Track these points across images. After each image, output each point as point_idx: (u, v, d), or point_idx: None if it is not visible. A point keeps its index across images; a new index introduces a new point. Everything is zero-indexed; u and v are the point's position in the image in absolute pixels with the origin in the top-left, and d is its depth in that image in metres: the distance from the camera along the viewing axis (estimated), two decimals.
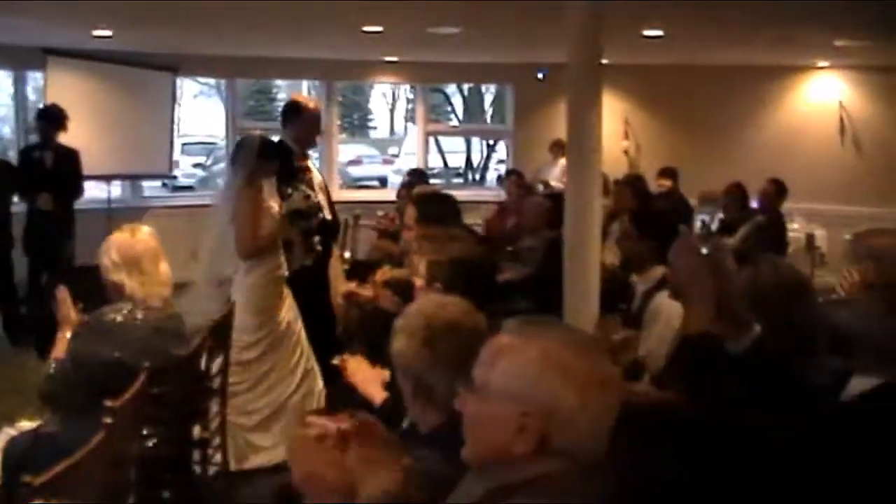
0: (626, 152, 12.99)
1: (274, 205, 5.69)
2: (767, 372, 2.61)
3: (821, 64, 12.29)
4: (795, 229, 11.31)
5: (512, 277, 7.19)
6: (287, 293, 5.75)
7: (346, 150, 20.79)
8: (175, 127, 13.23)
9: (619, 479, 1.75)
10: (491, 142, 17.81)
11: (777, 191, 9.02)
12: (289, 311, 5.73)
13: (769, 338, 2.69)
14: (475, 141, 18.47)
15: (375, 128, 29.64)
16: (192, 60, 12.05)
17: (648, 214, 5.52)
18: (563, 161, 11.97)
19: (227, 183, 5.86)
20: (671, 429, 2.42)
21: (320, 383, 5.71)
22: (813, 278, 11.91)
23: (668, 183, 10.56)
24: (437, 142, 18.14)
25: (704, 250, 2.54)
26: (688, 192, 11.04)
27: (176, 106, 13.08)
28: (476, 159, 18.70)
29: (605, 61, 12.57)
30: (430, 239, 3.28)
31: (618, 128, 13.10)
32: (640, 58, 12.28)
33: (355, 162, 22.93)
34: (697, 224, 4.62)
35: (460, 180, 17.57)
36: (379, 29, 9.52)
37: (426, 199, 5.29)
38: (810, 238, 11.20)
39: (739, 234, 8.73)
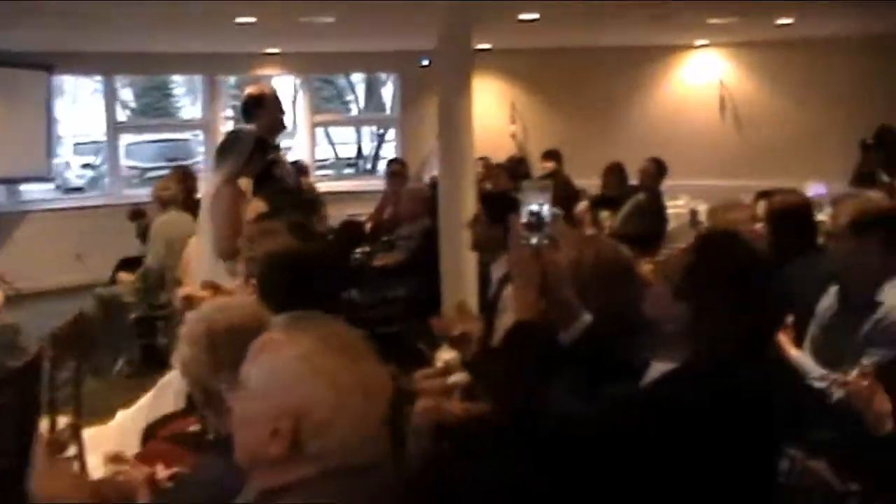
0: (513, 136, 13.02)
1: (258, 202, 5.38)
2: (595, 361, 2.56)
3: (699, 42, 12.46)
4: (679, 206, 11.44)
5: (386, 264, 7.12)
6: None
7: None
8: (54, 127, 12.79)
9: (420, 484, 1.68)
10: (381, 131, 17.72)
11: (657, 169, 9.10)
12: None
13: (597, 325, 2.64)
14: (367, 131, 18.38)
15: None
16: (67, 58, 11.69)
17: (497, 197, 5.43)
18: None
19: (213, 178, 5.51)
20: (485, 445, 2.38)
21: None
22: None
23: (551, 165, 10.63)
24: (326, 133, 17.98)
25: (534, 240, 2.47)
26: (576, 174, 11.18)
27: (54, 105, 12.66)
28: (367, 149, 18.58)
29: (488, 46, 12.74)
30: (251, 235, 3.19)
31: (505, 112, 13.14)
32: (524, 42, 12.33)
33: None
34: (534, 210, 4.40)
35: (352, 171, 17.42)
36: (252, 20, 9.35)
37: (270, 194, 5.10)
38: (694, 214, 11.30)
39: (621, 213, 8.78)
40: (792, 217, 3.93)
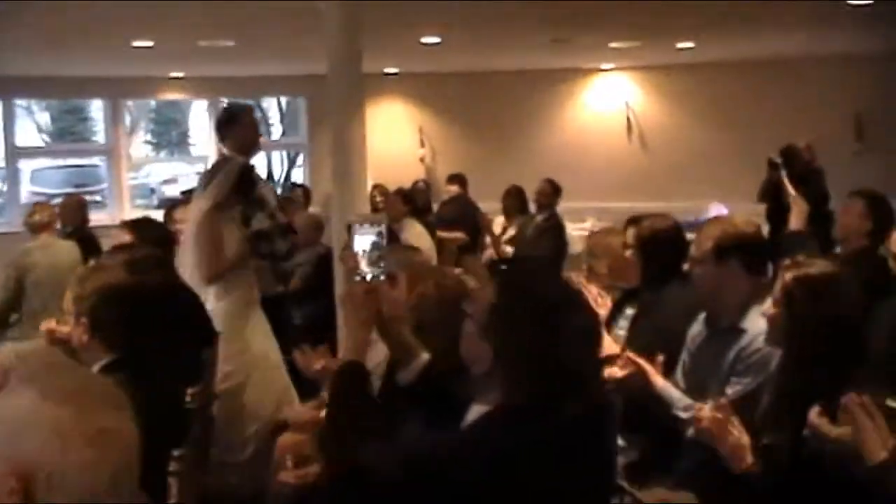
0: (422, 160, 13.00)
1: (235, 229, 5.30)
2: (434, 399, 2.48)
3: (606, 66, 12.56)
4: (585, 228, 11.50)
5: (284, 291, 7.01)
6: (262, 319, 5.35)
7: (162, 169, 20.11)
8: None
9: None
10: (292, 154, 17.53)
11: (552, 190, 9.10)
12: (266, 338, 5.33)
13: (436, 361, 2.55)
14: (276, 155, 18.17)
15: (195, 145, 28.82)
16: None
17: None
18: None
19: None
20: None
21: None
22: None
23: (455, 188, 10.61)
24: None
25: (368, 275, 2.38)
26: (484, 197, 11.18)
27: None
28: (277, 173, 18.35)
29: (395, 70, 12.70)
30: (81, 273, 3.04)
31: (414, 136, 13.11)
32: (431, 66, 12.32)
33: (170, 181, 22.32)
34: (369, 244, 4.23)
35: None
36: (149, 44, 9.18)
37: (140, 225, 4.95)
38: None
39: (526, 237, 8.80)
40: (660, 243, 3.91)
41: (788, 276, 2.85)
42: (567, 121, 12.93)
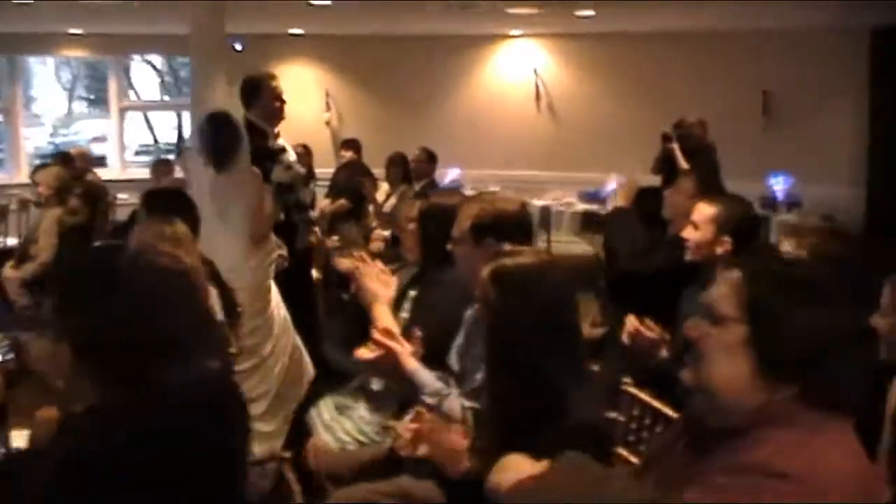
0: (327, 123, 12.76)
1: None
2: None
3: (514, 32, 12.33)
4: None
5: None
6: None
7: (90, 126, 19.59)
8: None
9: None
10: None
11: (427, 158, 8.90)
12: (276, 293, 5.33)
13: None
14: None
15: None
16: None
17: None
18: None
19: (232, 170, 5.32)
20: None
21: (311, 368, 5.33)
22: None
23: (349, 154, 10.39)
24: (146, 118, 17.34)
25: None
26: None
27: None
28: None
29: (300, 32, 12.43)
30: None
31: (320, 99, 12.86)
32: (337, 28, 12.06)
33: (99, 139, 21.88)
34: None
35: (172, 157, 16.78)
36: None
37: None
38: None
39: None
40: (437, 219, 3.72)
41: (486, 269, 2.67)
42: (475, 87, 12.68)
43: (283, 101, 6.22)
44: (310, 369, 5.32)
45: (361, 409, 3.97)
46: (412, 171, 8.95)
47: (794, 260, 3.41)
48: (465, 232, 3.27)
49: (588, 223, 10.10)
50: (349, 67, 12.79)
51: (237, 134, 5.36)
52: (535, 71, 12.30)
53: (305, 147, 9.95)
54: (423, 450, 2.53)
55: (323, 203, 10.11)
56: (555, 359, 2.55)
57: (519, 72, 12.44)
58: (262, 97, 6.03)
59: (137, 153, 10.36)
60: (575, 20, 10.39)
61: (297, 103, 12.75)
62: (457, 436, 2.61)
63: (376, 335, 3.24)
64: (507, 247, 2.87)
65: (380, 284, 3.69)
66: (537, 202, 10.95)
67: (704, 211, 3.87)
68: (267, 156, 5.75)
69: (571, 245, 10.78)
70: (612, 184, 10.52)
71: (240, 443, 2.07)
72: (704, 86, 11.31)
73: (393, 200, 8.87)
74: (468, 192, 11.44)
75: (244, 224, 5.10)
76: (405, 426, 2.63)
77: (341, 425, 3.95)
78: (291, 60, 12.72)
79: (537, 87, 12.30)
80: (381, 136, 12.05)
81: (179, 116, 16.46)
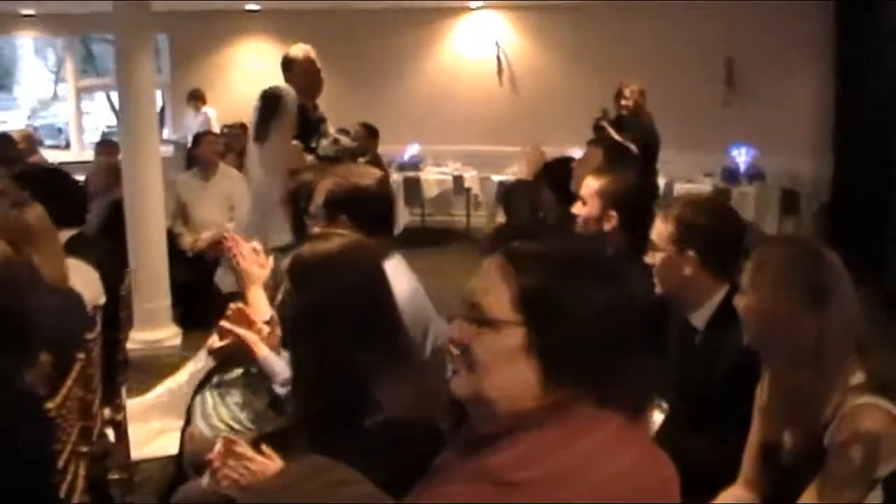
0: None
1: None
2: None
3: (474, 4, 12.07)
4: (445, 172, 11.18)
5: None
6: None
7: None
8: None
9: None
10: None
11: (367, 133, 8.68)
12: None
13: None
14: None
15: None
16: None
17: None
18: (206, 111, 11.46)
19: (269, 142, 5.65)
20: None
21: None
22: (468, 221, 11.89)
23: None
24: (108, 97, 17.09)
25: None
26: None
27: None
28: None
29: (257, 7, 12.18)
30: None
31: (277, 75, 12.57)
32: (294, 3, 11.83)
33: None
34: None
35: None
36: None
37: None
38: (458, 180, 11.09)
39: None
40: (302, 197, 3.51)
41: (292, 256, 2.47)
42: (436, 61, 12.43)
43: (317, 75, 6.37)
44: None
45: (237, 395, 3.77)
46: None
47: (578, 240, 3.19)
48: (319, 208, 3.07)
49: None
50: (307, 42, 12.45)
51: (272, 107, 5.67)
52: (496, 44, 12.04)
53: (243, 125, 9.73)
54: (225, 484, 2.24)
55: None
56: (359, 353, 2.31)
57: (480, 45, 12.20)
58: (295, 71, 6.20)
59: (104, 134, 10.17)
60: None
61: (253, 80, 12.57)
62: (267, 459, 2.33)
63: (223, 322, 3.04)
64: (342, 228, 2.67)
65: (253, 264, 3.50)
66: (496, 177, 10.74)
67: (591, 184, 3.67)
68: (310, 129, 5.94)
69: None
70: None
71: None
72: (668, 55, 11.06)
73: None
74: (429, 167, 11.31)
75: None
76: (212, 456, 2.35)
77: (217, 412, 3.76)
78: (247, 36, 12.51)
79: (499, 60, 12.06)
80: (340, 111, 11.78)
81: None
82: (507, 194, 5.10)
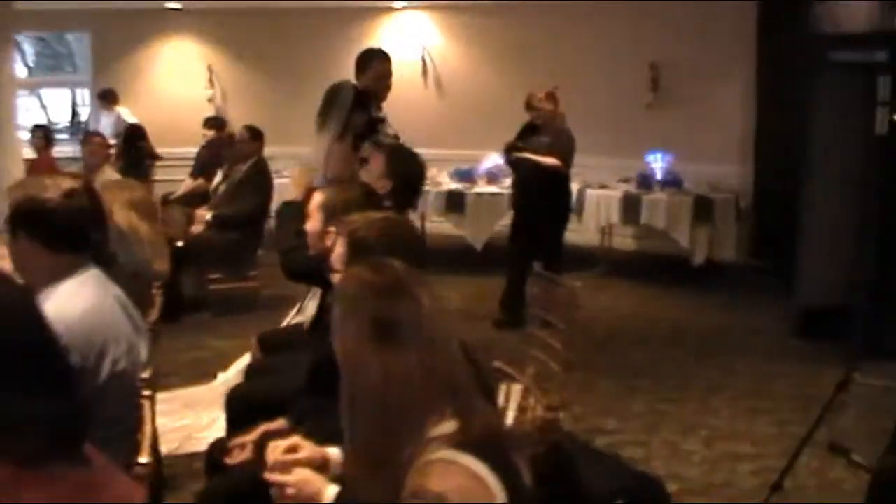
0: (210, 101, 12.30)
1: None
2: None
3: (398, 4, 11.86)
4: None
5: None
6: None
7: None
8: None
9: None
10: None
11: (251, 136, 8.42)
12: None
13: None
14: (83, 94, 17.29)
15: None
16: None
17: None
18: (119, 110, 11.25)
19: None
20: None
21: None
22: None
23: (211, 132, 9.95)
24: (38, 96, 16.83)
25: None
26: (275, 140, 10.64)
27: None
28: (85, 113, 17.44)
29: (178, 6, 11.96)
30: None
31: (202, 75, 12.39)
32: (218, 2, 11.63)
33: None
34: None
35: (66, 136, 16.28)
36: None
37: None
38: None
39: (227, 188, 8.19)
40: None
41: None
42: None
43: (388, 82, 6.25)
44: None
45: None
46: (237, 151, 8.48)
47: None
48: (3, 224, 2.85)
49: (453, 203, 9.66)
50: (232, 42, 12.33)
51: (328, 100, 5.65)
52: (423, 46, 11.83)
53: (138, 126, 9.59)
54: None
55: (187, 182, 9.78)
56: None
57: (406, 46, 11.96)
58: (369, 72, 6.06)
59: (32, 132, 9.90)
60: None
61: (178, 80, 12.43)
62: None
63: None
64: None
65: None
66: None
67: (315, 199, 3.45)
68: (369, 125, 5.85)
69: (439, 225, 10.42)
70: (488, 163, 10.14)
71: None
72: (594, 58, 10.89)
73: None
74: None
75: None
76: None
77: None
78: (171, 35, 12.31)
79: (424, 62, 11.85)
80: (265, 113, 11.62)
81: (73, 94, 16.05)
82: (276, 215, 4.95)
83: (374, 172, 4.39)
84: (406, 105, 11.81)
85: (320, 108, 5.81)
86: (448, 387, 1.90)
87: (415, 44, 11.86)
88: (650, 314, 8.45)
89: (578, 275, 8.51)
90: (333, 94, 5.74)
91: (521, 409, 2.70)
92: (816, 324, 7.35)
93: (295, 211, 4.26)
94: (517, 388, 2.81)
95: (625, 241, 10.72)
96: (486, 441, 1.86)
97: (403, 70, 11.84)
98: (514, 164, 8.10)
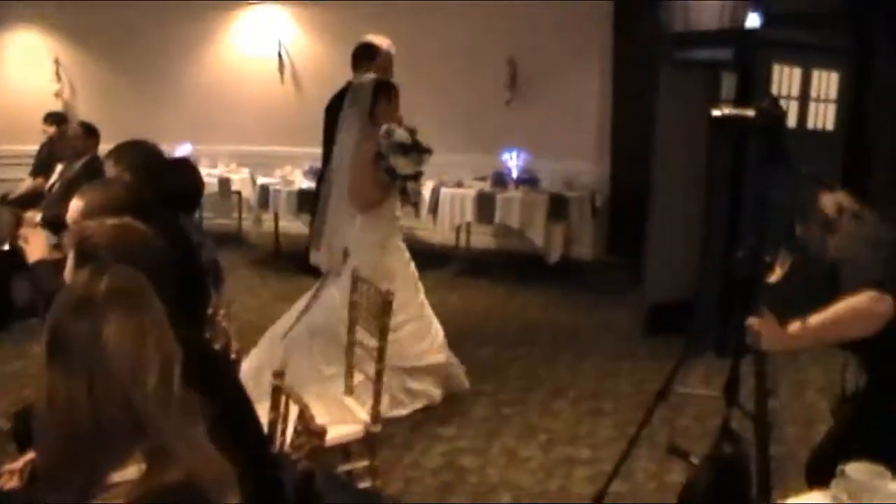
0: (57, 95, 11.78)
1: None
2: None
3: None
4: (213, 174, 10.64)
5: None
6: (400, 248, 5.90)
7: None
8: None
9: None
10: None
11: (85, 133, 8.06)
12: (404, 266, 5.89)
13: None
14: None
15: None
16: None
17: None
18: None
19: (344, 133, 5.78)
20: None
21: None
22: (241, 225, 11.40)
23: (51, 129, 9.48)
24: None
25: None
26: (123, 136, 10.21)
27: None
28: None
29: None
30: None
31: (48, 69, 11.87)
32: None
33: None
34: None
35: None
36: None
37: None
38: (225, 183, 10.57)
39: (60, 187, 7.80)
40: None
41: None
42: (216, 56, 11.83)
43: (392, 67, 6.49)
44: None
45: None
46: (70, 148, 8.08)
47: None
48: None
49: (305, 202, 9.42)
50: (81, 34, 11.82)
51: (360, 99, 5.66)
52: (279, 41, 11.52)
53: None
54: None
55: (26, 182, 9.34)
56: None
57: (262, 41, 11.65)
58: (375, 64, 6.33)
59: None
60: None
61: (23, 73, 11.88)
62: None
63: None
64: None
65: None
66: (262, 179, 10.26)
67: (74, 204, 3.20)
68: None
69: (291, 225, 10.19)
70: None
71: None
72: (453, 53, 10.75)
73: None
74: (200, 168, 10.71)
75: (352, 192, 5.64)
76: None
77: None
78: (15, 26, 11.74)
79: (280, 57, 11.54)
80: (115, 108, 11.24)
81: None
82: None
83: None
84: (262, 101, 11.61)
85: (346, 101, 5.85)
86: (132, 425, 1.69)
87: (270, 39, 11.53)
88: (502, 313, 8.36)
89: (430, 274, 8.37)
90: (354, 93, 5.79)
91: (297, 432, 2.51)
92: (665, 319, 7.35)
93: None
94: (294, 410, 2.63)
95: (482, 239, 10.63)
96: (175, 492, 1.65)
97: (259, 65, 11.66)
98: None
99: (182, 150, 10.79)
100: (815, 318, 3.24)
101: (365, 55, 6.41)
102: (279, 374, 2.80)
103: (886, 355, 3.28)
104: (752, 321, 3.32)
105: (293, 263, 9.14)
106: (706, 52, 7.49)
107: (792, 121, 7.15)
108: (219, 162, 11.02)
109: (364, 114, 5.63)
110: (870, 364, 3.40)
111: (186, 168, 4.36)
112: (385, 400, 5.10)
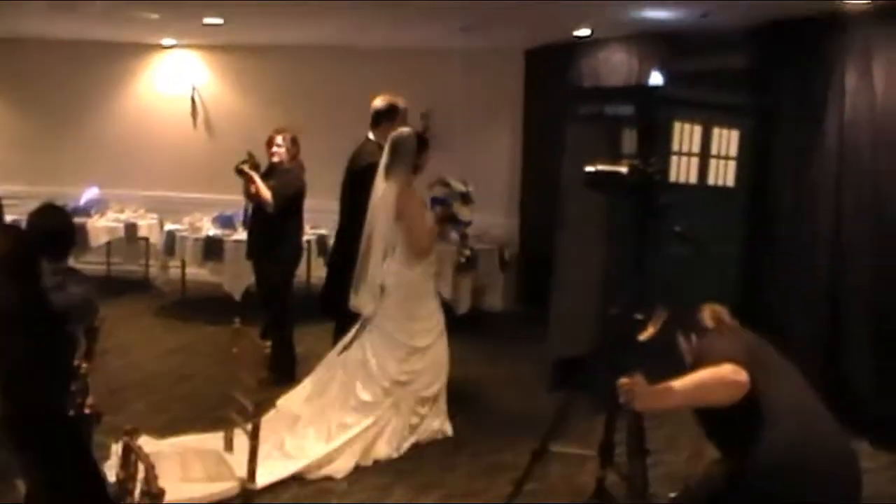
0: None
1: None
2: None
3: (167, 42, 11.44)
4: (120, 219, 10.49)
5: None
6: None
7: None
8: None
9: None
10: None
11: None
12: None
13: None
14: None
15: None
16: None
17: None
18: None
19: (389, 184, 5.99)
20: None
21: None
22: (148, 272, 11.21)
23: None
24: None
25: None
26: (31, 179, 10.59)
27: None
28: None
29: None
30: None
31: None
32: None
33: None
34: None
35: None
36: None
37: None
38: (131, 229, 10.40)
39: None
40: None
41: None
42: (129, 100, 11.71)
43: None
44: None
45: None
46: None
47: None
48: None
49: (210, 251, 9.29)
50: None
51: (403, 152, 5.99)
52: (193, 86, 11.43)
53: None
54: None
55: None
56: None
57: (176, 85, 11.56)
58: (395, 123, 6.60)
59: None
60: (202, 28, 9.64)
61: None
62: None
63: None
64: None
65: None
66: (169, 226, 10.09)
67: None
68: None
69: (198, 272, 10.04)
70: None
71: None
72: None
73: None
74: (107, 213, 10.53)
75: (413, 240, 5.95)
76: None
77: None
78: None
79: (193, 101, 11.45)
80: (22, 151, 11.05)
81: None
82: None
83: None
84: (174, 147, 11.47)
85: (388, 155, 6.03)
86: None
87: (184, 83, 11.44)
88: None
89: None
90: (397, 145, 6.01)
91: (142, 493, 2.43)
92: (567, 375, 7.31)
93: None
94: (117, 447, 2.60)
95: None
96: None
97: (172, 110, 11.53)
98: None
99: (88, 194, 10.62)
100: (680, 381, 3.25)
101: (388, 114, 6.75)
102: (130, 432, 2.71)
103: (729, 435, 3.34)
104: (622, 381, 3.31)
105: (199, 312, 8.99)
106: (611, 107, 7.57)
107: (693, 177, 7.27)
108: (126, 207, 10.83)
109: (409, 165, 6.00)
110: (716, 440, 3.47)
111: (50, 213, 4.27)
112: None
